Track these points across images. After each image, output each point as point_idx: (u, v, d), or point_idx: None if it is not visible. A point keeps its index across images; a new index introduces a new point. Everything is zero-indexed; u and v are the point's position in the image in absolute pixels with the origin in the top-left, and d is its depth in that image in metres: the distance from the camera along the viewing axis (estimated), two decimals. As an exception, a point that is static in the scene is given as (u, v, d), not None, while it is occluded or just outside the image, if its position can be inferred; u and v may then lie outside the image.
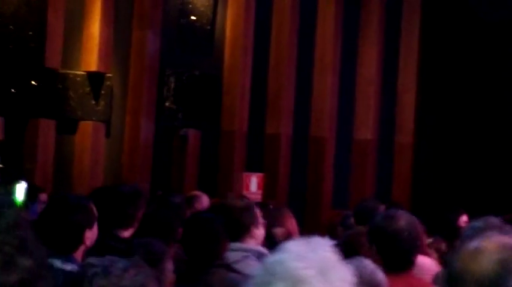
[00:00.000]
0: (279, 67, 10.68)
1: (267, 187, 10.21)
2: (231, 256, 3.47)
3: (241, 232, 3.61)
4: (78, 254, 3.36)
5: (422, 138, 11.81)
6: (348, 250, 2.84)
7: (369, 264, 2.79)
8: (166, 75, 9.68)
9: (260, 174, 10.17)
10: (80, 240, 3.36)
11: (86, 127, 8.94)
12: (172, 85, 9.73)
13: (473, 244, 1.87)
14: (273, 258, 1.71)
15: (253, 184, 9.87)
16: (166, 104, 9.68)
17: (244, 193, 9.90)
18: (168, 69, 9.68)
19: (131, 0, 9.37)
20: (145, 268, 1.96)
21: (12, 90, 8.25)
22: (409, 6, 11.80)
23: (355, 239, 3.80)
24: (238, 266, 3.44)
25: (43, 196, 6.52)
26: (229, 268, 3.45)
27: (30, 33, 8.36)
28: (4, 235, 1.18)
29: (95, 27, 8.91)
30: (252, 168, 10.26)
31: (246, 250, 3.53)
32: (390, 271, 3.03)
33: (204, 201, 6.11)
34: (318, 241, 1.73)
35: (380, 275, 2.77)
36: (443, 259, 4.64)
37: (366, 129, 11.41)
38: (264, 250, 3.58)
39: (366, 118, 11.42)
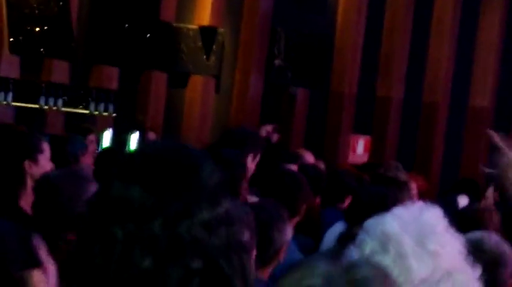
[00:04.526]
0: (393, 29, 11.00)
1: (374, 151, 10.64)
2: None
3: None
4: None
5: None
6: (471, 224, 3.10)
7: (493, 237, 2.79)
8: (278, 33, 10.20)
9: (368, 137, 10.59)
10: None
11: (197, 81, 9.62)
12: (283, 43, 10.25)
13: None
14: (375, 219, 1.83)
15: (360, 146, 10.32)
16: (276, 62, 10.23)
17: (351, 155, 10.42)
18: (280, 27, 10.20)
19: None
20: None
21: (128, 42, 9.04)
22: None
23: (481, 215, 3.98)
24: None
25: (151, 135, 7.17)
26: None
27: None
28: None
29: (209, -18, 9.52)
30: (360, 130, 10.71)
31: None
32: None
33: (309, 159, 6.67)
34: (427, 208, 1.81)
35: (505, 247, 2.74)
36: None
37: (482, 97, 11.53)
38: None
39: (483, 85, 11.53)
